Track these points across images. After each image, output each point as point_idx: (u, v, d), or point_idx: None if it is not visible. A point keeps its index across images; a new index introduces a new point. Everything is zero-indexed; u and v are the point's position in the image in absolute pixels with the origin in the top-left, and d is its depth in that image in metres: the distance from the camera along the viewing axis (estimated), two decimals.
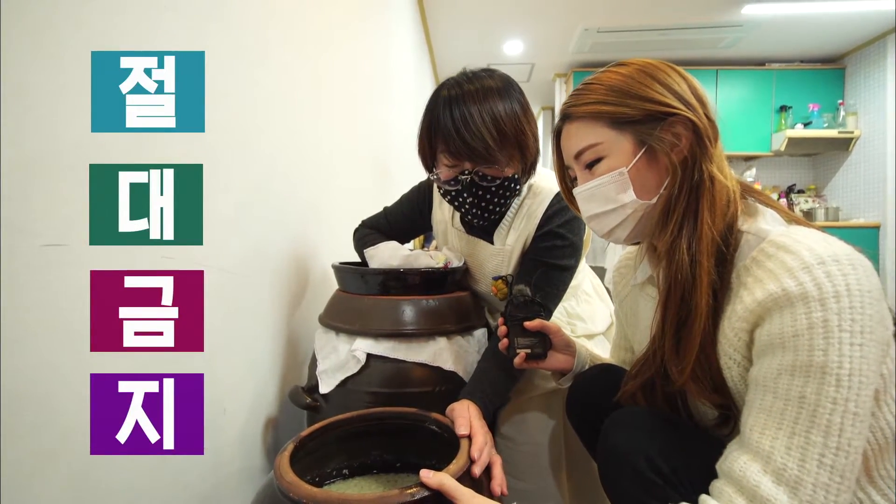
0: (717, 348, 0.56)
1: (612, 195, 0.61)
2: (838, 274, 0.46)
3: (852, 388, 0.44)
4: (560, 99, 4.80)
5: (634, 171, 0.60)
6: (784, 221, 0.56)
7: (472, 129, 0.79)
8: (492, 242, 0.97)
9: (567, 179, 0.70)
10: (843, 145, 3.93)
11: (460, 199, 0.88)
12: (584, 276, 1.11)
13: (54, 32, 0.44)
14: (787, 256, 0.49)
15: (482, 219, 0.90)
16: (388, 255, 0.95)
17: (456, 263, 0.97)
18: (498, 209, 0.89)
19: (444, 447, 0.67)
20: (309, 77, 1.12)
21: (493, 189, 0.85)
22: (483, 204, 0.87)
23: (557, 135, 0.68)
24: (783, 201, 4.24)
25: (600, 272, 1.16)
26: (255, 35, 0.84)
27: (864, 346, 0.45)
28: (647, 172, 0.60)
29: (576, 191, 0.66)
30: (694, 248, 0.55)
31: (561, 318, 1.05)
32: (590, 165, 0.63)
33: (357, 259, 1.08)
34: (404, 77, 2.67)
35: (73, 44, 0.46)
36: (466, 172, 0.84)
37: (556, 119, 0.68)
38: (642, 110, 0.58)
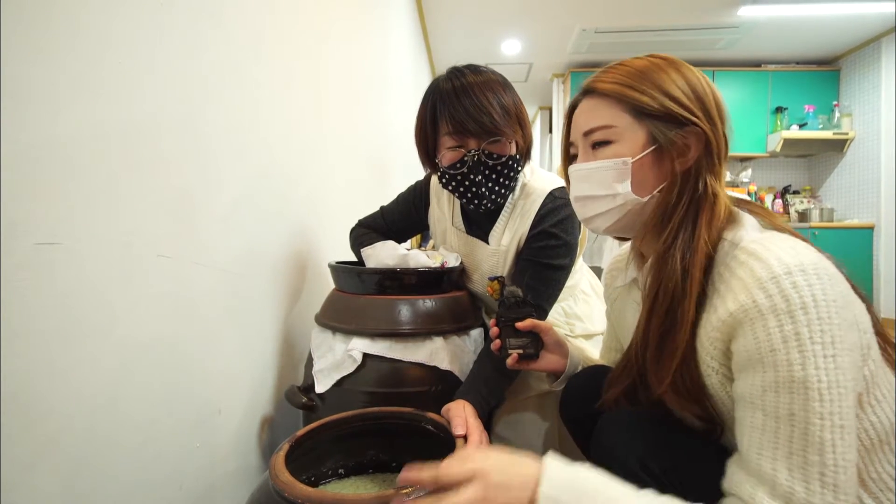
0: (696, 357, 0.56)
1: (608, 181, 0.60)
2: (804, 285, 0.46)
3: (833, 402, 0.45)
4: (558, 99, 4.81)
5: (638, 164, 0.59)
6: (760, 227, 0.56)
7: (477, 105, 0.83)
8: (488, 243, 0.97)
9: (568, 157, 0.69)
10: (838, 146, 3.95)
11: (467, 182, 0.88)
12: (581, 275, 1.11)
13: (51, 31, 0.43)
14: (756, 265, 0.49)
15: (490, 200, 0.91)
16: (385, 254, 0.95)
17: (453, 263, 0.97)
18: (504, 191, 0.91)
19: (440, 447, 0.67)
20: (306, 75, 1.11)
21: (499, 168, 0.88)
22: (490, 185, 0.89)
23: (573, 108, 0.66)
24: (778, 202, 4.26)
25: (598, 272, 1.17)
26: (251, 32, 0.84)
27: (837, 356, 0.45)
28: (649, 170, 0.59)
29: (572, 168, 0.65)
30: (688, 260, 0.55)
31: (559, 317, 1.05)
32: (596, 146, 0.62)
33: (354, 258, 1.07)
34: (402, 75, 2.67)
35: (69, 42, 0.45)
36: (472, 152, 0.86)
37: (578, 92, 0.66)
38: (664, 108, 0.57)
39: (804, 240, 0.53)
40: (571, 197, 0.66)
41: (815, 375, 0.45)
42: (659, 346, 0.58)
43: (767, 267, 0.48)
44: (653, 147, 0.58)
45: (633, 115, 0.59)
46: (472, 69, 0.89)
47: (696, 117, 0.57)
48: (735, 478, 0.50)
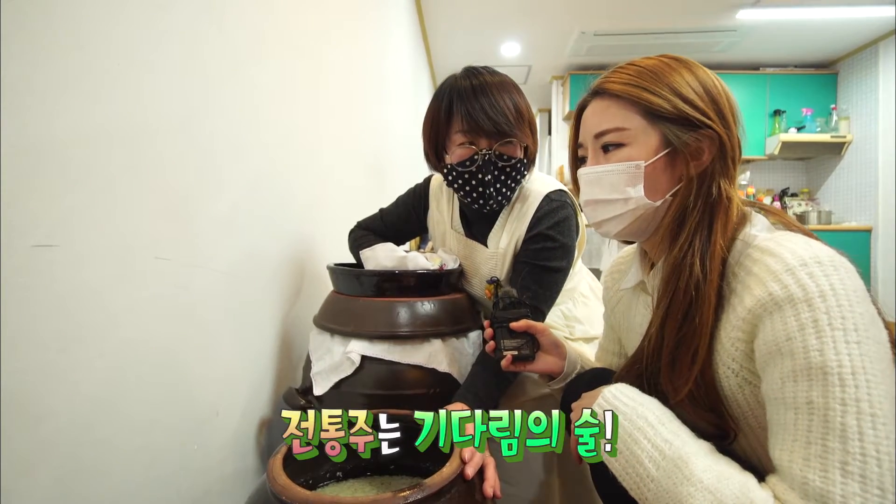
0: (713, 360, 0.55)
1: (621, 185, 0.59)
2: (821, 275, 0.45)
3: (860, 388, 0.41)
4: (557, 101, 4.82)
5: (651, 168, 0.58)
6: (770, 226, 0.56)
7: (494, 104, 0.85)
8: (487, 246, 0.97)
9: (576, 159, 0.67)
10: (836, 149, 3.97)
11: (474, 182, 0.89)
12: (580, 277, 1.10)
13: (51, 31, 0.43)
14: (770, 260, 0.49)
15: (495, 200, 0.91)
16: (384, 256, 0.95)
17: (451, 266, 0.97)
18: (509, 193, 0.91)
19: (437, 449, 0.66)
20: (306, 75, 1.11)
21: (508, 169, 0.89)
22: (497, 185, 0.89)
23: (581, 109, 0.65)
24: (776, 205, 4.28)
25: (596, 274, 1.16)
26: (251, 32, 0.84)
27: (862, 343, 0.43)
28: (662, 174, 0.58)
29: (582, 171, 0.63)
30: (707, 265, 0.54)
31: (558, 320, 1.05)
32: (607, 148, 0.60)
33: (352, 260, 1.07)
34: (401, 78, 2.67)
35: (69, 42, 0.45)
36: (483, 151, 0.87)
37: (586, 93, 0.64)
38: (678, 110, 0.56)
39: (818, 239, 0.52)
40: (581, 200, 0.65)
41: (834, 360, 0.42)
42: (674, 353, 0.56)
43: (782, 260, 0.47)
44: (666, 150, 0.57)
45: (645, 117, 0.58)
46: (489, 70, 0.90)
47: (711, 120, 0.56)
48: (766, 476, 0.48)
